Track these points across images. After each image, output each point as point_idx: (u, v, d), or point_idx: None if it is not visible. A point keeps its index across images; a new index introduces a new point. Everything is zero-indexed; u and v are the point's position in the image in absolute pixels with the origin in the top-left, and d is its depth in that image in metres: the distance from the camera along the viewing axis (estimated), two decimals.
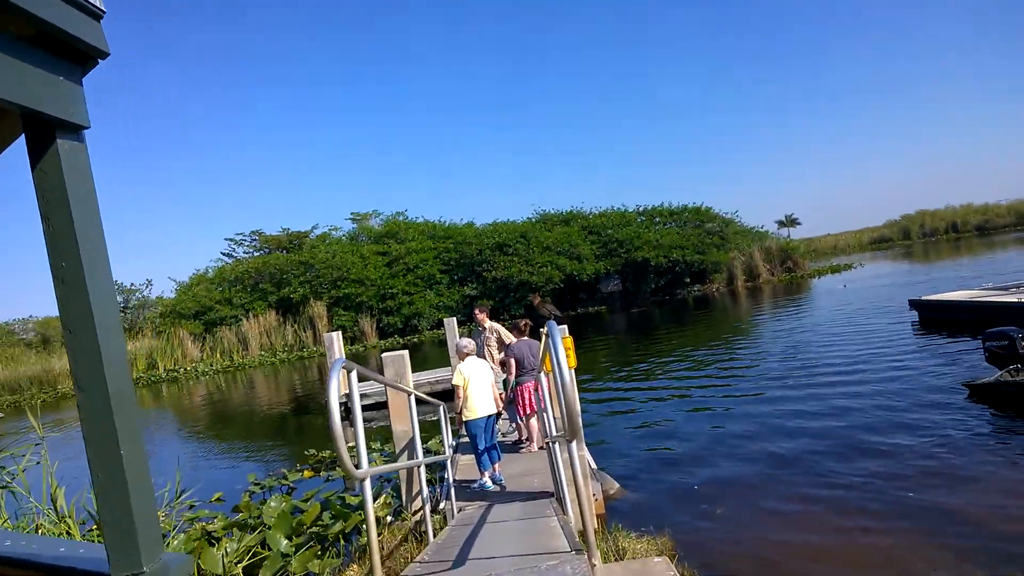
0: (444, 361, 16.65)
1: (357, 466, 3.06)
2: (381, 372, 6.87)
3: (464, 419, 6.62)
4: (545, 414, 5.99)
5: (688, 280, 42.03)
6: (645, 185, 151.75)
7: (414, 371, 17.77)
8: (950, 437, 7.19)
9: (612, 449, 8.83)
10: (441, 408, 7.21)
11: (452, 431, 8.62)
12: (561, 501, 5.22)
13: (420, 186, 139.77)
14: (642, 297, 41.05)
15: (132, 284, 53.56)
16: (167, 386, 29.12)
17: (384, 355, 6.33)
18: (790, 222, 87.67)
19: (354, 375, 3.26)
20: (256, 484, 8.90)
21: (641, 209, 46.32)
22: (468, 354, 6.82)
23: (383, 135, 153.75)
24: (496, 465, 6.75)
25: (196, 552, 4.93)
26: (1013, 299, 13.27)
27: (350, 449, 2.86)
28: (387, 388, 6.61)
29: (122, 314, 52.13)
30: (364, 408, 14.29)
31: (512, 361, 7.48)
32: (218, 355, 36.01)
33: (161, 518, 7.65)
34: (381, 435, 12.09)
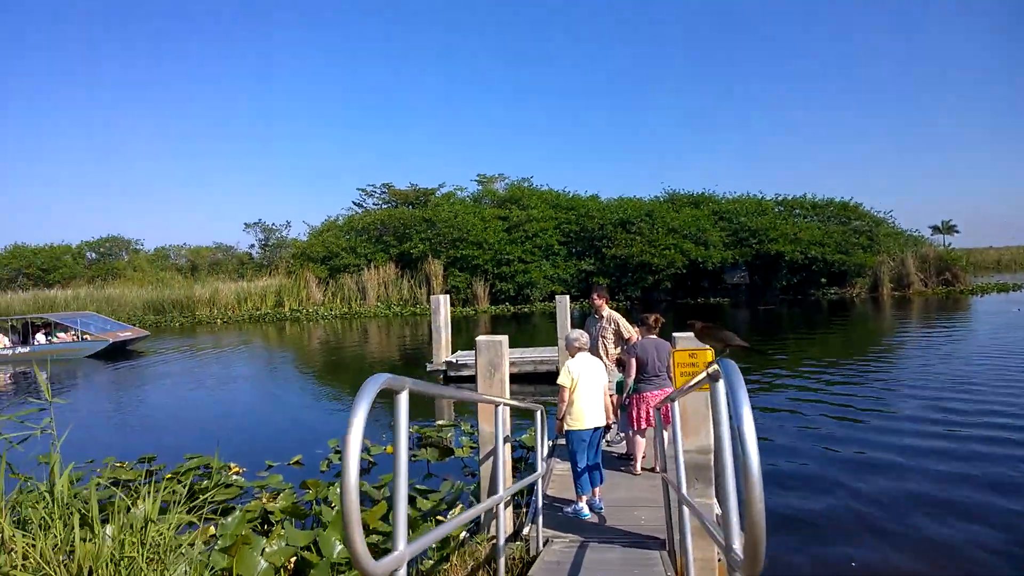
0: (552, 339, 15.48)
1: (383, 550, 1.91)
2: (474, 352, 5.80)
3: (567, 427, 5.46)
4: (664, 441, 4.85)
5: (824, 280, 38.11)
6: (784, 173, 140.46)
7: (521, 345, 16.97)
8: None
9: None
10: (539, 414, 6.03)
11: (548, 442, 7.46)
12: (673, 556, 4.29)
13: (550, 152, 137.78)
14: (771, 293, 37.78)
15: (273, 224, 56.83)
16: (290, 324, 30.31)
17: (479, 339, 5.25)
18: (947, 228, 77.78)
19: (404, 401, 2.06)
20: (337, 452, 8.25)
21: (780, 199, 42.48)
22: (580, 349, 5.63)
23: (517, 94, 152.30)
24: (597, 489, 5.56)
25: (233, 553, 4.12)
26: None
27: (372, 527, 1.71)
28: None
29: (261, 252, 55.64)
30: (461, 379, 13.94)
31: (633, 362, 6.22)
32: (339, 301, 37.17)
33: (237, 473, 7.14)
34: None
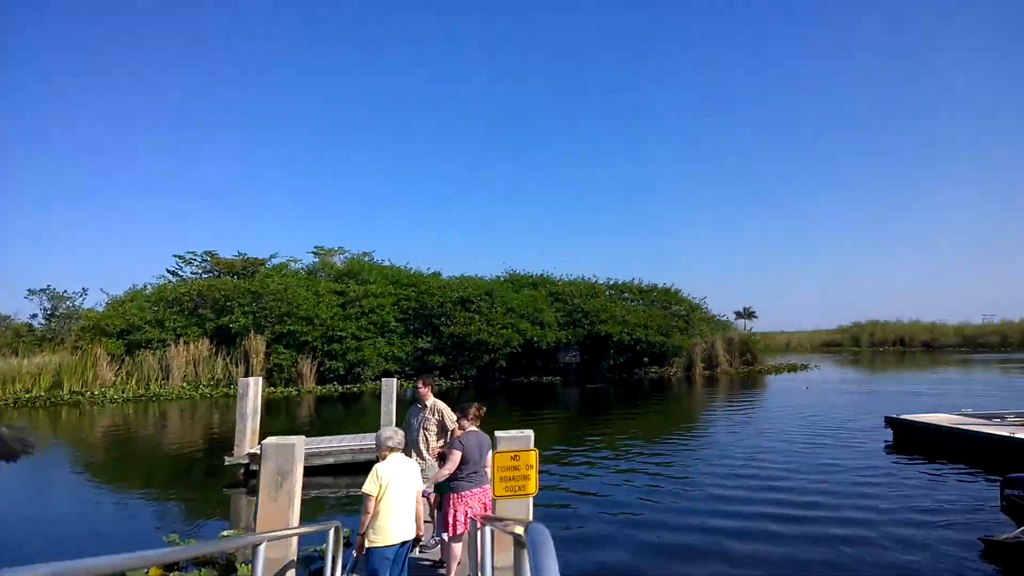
0: (376, 424, 14.12)
1: None
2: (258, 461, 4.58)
3: (368, 544, 4.40)
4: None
5: (647, 360, 40.42)
6: (606, 254, 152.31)
7: (348, 427, 15.37)
8: None
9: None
10: (331, 533, 4.84)
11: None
12: None
13: (392, 227, 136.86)
14: (599, 372, 39.18)
15: (65, 291, 49.41)
16: (67, 410, 25.52)
17: (266, 442, 4.09)
18: (747, 314, 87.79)
19: None
20: None
21: (611, 283, 45.17)
22: (392, 449, 4.79)
23: (361, 167, 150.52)
24: None
25: None
26: (1004, 431, 12.26)
27: None
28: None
29: (45, 323, 47.85)
30: (316, 470, 11.70)
31: (457, 456, 5.37)
32: (134, 381, 32.20)
33: None
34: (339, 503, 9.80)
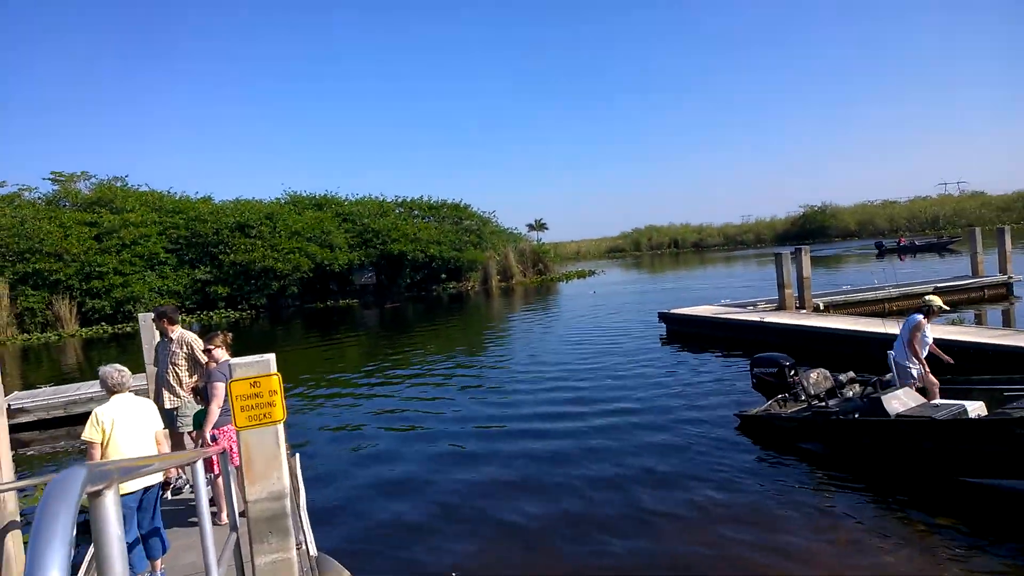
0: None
1: None
2: None
3: None
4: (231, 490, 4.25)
5: (444, 277, 42.70)
6: (404, 174, 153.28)
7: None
8: (713, 470, 6.93)
9: (334, 494, 7.26)
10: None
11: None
12: None
13: (151, 147, 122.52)
14: (397, 292, 40.70)
15: None
16: None
17: None
18: (539, 226, 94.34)
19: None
20: None
21: (400, 200, 46.03)
22: (116, 389, 4.64)
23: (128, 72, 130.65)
24: (158, 561, 4.63)
25: None
26: (754, 317, 14.55)
27: None
28: None
29: None
30: (23, 427, 10.96)
31: (220, 389, 5.44)
32: None
33: None
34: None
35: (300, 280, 36.69)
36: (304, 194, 43.56)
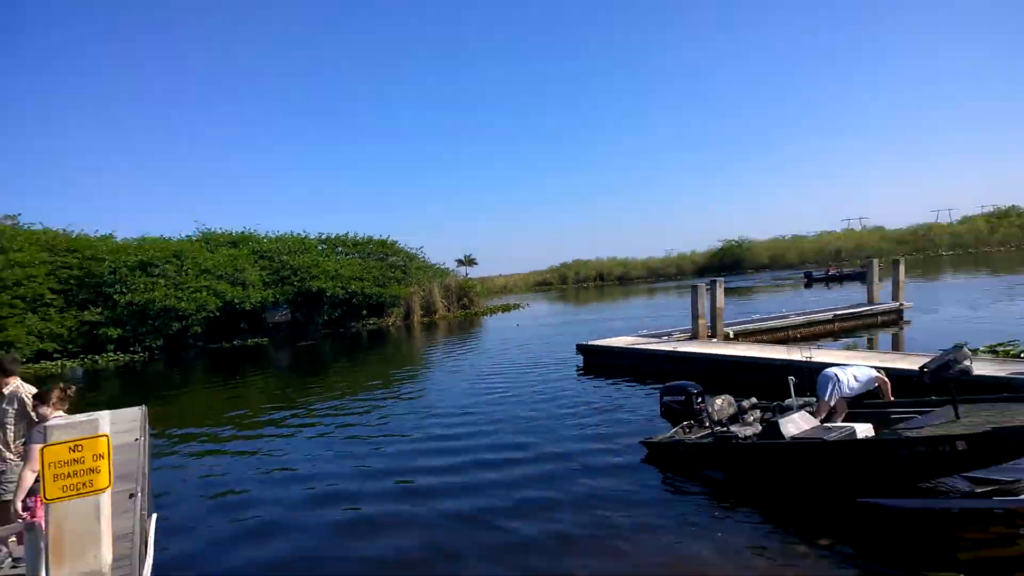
0: None
1: None
2: None
3: None
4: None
5: (365, 313, 41.96)
6: (330, 213, 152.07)
7: None
8: (617, 498, 7.02)
9: (191, 549, 6.72)
10: None
11: None
12: None
13: (48, 187, 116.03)
14: (313, 329, 39.63)
15: None
16: None
17: None
18: (468, 261, 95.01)
19: None
20: None
21: (323, 237, 45.34)
22: None
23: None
24: None
25: None
26: (667, 347, 14.98)
27: None
28: None
29: None
30: None
31: (35, 452, 4.61)
32: None
33: None
34: None
35: (205, 320, 35.15)
36: (219, 231, 42.21)
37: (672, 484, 7.35)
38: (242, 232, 42.78)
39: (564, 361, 17.80)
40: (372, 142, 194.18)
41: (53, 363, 31.23)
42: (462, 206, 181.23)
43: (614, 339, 17.68)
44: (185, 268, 35.40)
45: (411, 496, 7.74)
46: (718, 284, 16.23)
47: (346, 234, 46.11)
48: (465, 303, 46.26)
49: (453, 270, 58.12)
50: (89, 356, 32.67)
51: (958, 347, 6.01)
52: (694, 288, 16.41)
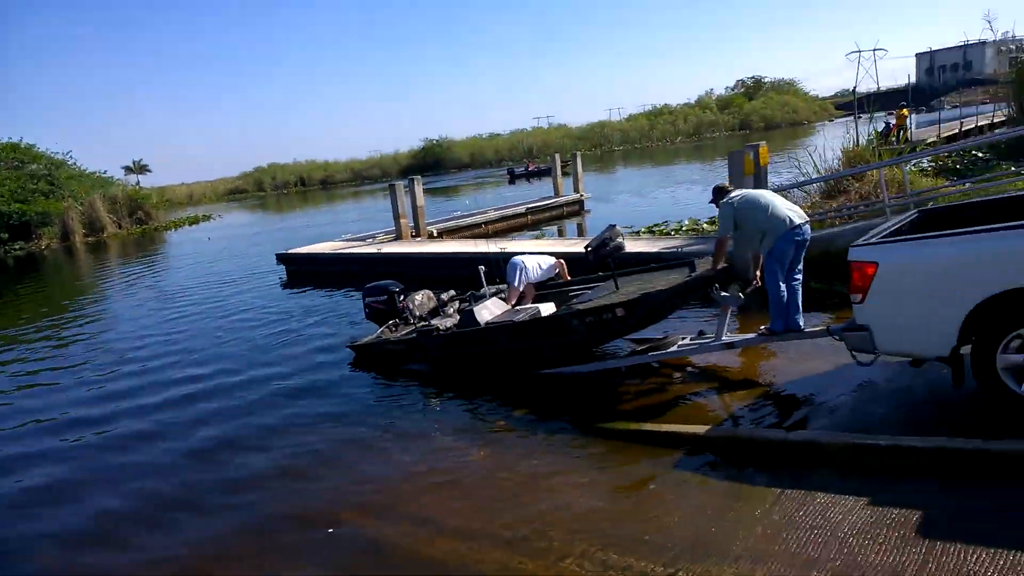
0: None
1: None
2: None
3: None
4: None
5: (7, 236, 34.44)
6: None
7: None
8: (328, 408, 6.86)
9: None
10: None
11: None
12: None
13: None
14: None
15: None
16: None
17: None
18: (139, 168, 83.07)
19: None
20: None
21: None
22: None
23: None
24: None
25: None
26: (372, 249, 14.72)
27: None
28: None
29: None
30: None
31: None
32: None
33: None
34: None
35: None
36: None
37: (381, 382, 7.49)
38: None
39: (264, 273, 16.77)
40: None
41: None
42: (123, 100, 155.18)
43: (317, 245, 17.14)
44: None
45: (104, 448, 6.69)
46: (416, 182, 16.44)
47: None
48: (140, 217, 40.54)
49: (120, 179, 50.42)
50: None
51: (611, 227, 6.88)
52: (392, 187, 16.44)
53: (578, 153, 23.24)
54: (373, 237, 17.06)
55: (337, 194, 63.92)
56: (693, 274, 6.44)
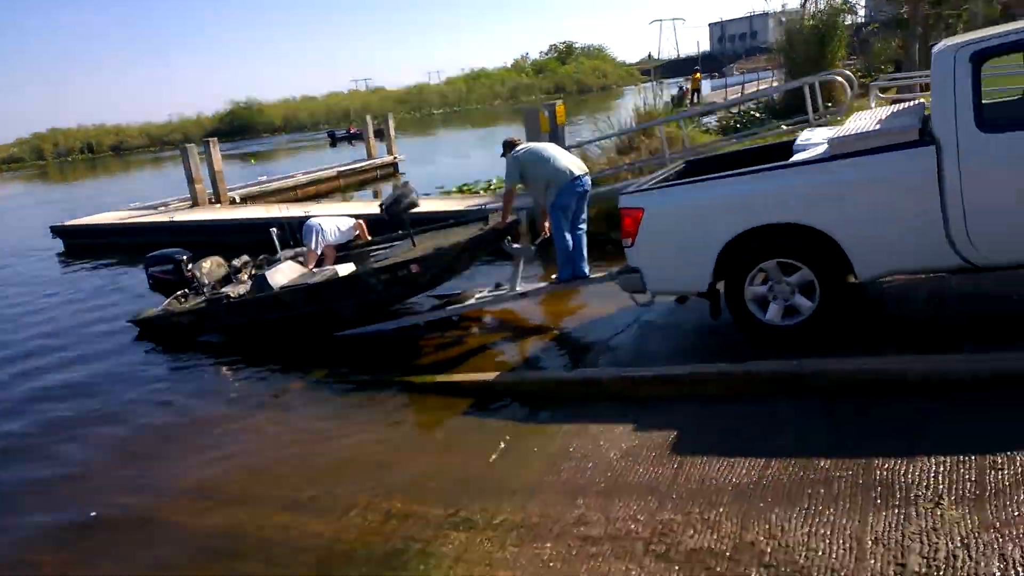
0: None
1: None
2: None
3: None
4: None
5: None
6: None
7: None
8: (110, 393, 6.17)
9: None
10: None
11: None
12: None
13: None
14: None
15: None
16: None
17: None
18: None
19: None
20: None
21: None
22: None
23: None
24: None
25: None
26: (164, 218, 13.50)
27: None
28: None
29: None
30: None
31: None
32: None
33: None
34: None
35: None
36: None
37: (166, 358, 6.92)
38: None
39: (38, 249, 14.80)
40: None
41: None
42: None
43: (100, 216, 15.37)
44: None
45: None
46: (213, 144, 15.20)
47: None
48: None
49: None
50: None
51: (404, 184, 6.76)
52: (183, 150, 15.02)
53: (389, 114, 22.66)
54: (166, 205, 15.58)
55: (134, 161, 57.46)
56: (485, 227, 6.48)
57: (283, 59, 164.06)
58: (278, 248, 7.75)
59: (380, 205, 6.72)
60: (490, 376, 5.02)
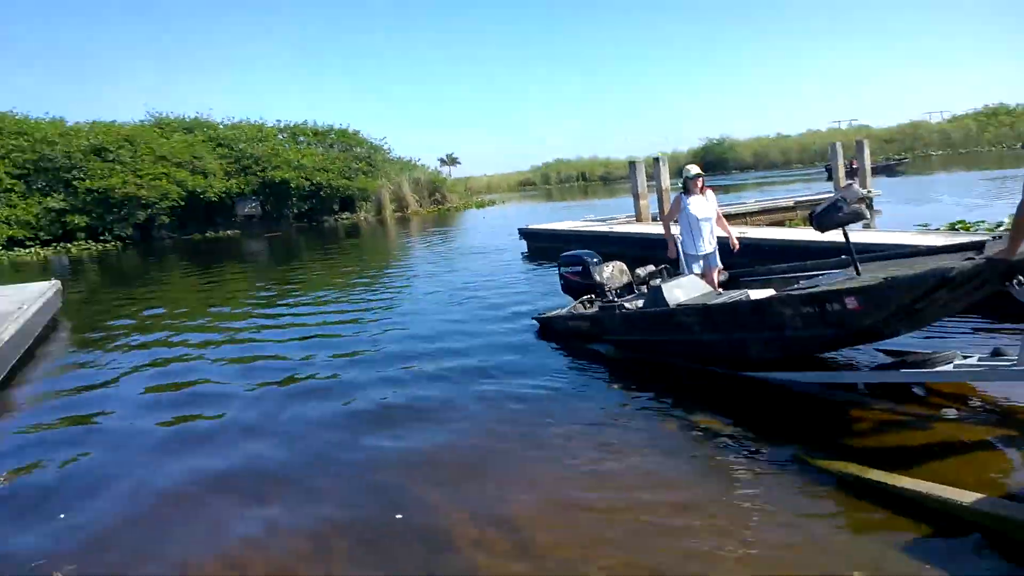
0: None
1: None
2: None
3: None
4: None
5: (337, 207, 40.24)
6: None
7: None
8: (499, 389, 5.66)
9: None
10: None
11: None
12: None
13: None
14: (284, 222, 38.07)
15: None
16: None
17: None
18: (451, 161, 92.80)
19: None
20: None
21: (282, 125, 42.94)
22: None
23: None
24: None
25: None
26: (604, 228, 14.35)
27: None
28: None
29: None
30: None
31: None
32: None
33: None
34: None
35: (171, 209, 33.60)
36: (171, 116, 39.66)
37: (555, 362, 6.35)
38: (196, 118, 40.30)
39: (509, 248, 16.86)
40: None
41: (27, 251, 30.10)
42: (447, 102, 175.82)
43: (557, 223, 16.82)
44: (140, 154, 33.49)
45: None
46: (661, 163, 14.98)
47: (304, 122, 43.59)
48: (437, 198, 44.51)
49: (434, 169, 55.90)
50: (62, 244, 31.47)
51: (848, 186, 4.75)
52: (632, 166, 15.20)
53: (865, 142, 19.23)
54: (614, 219, 16.28)
55: (616, 188, 63.76)
56: (978, 257, 4.07)
57: (758, 97, 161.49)
58: (683, 263, 6.61)
59: (810, 214, 4.87)
60: (961, 495, 2.93)
